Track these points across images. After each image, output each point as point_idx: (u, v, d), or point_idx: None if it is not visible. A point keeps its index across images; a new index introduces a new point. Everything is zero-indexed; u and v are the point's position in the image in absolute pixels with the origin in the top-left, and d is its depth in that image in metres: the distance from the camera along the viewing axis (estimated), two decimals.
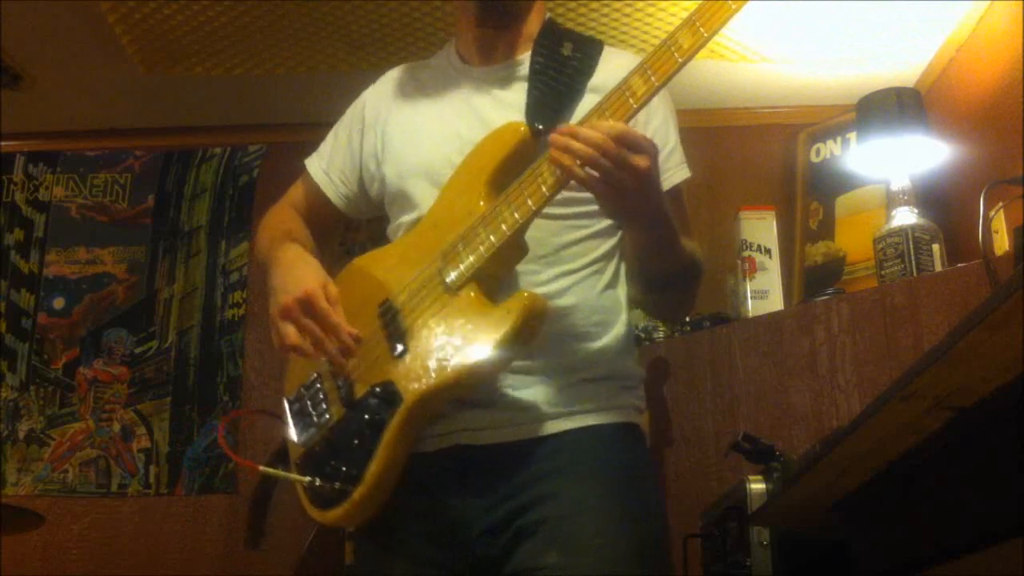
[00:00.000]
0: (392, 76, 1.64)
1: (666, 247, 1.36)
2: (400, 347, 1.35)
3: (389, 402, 1.33)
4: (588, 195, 1.34)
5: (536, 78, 1.46)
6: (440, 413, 1.35)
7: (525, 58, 1.50)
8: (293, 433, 1.46)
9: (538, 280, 1.38)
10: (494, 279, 1.34)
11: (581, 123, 1.26)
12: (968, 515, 1.05)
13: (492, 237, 1.31)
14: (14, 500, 2.79)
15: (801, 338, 2.39)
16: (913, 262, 2.36)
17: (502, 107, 1.46)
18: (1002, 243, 2.38)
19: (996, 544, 0.99)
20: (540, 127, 1.38)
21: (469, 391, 1.33)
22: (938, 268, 2.37)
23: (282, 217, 1.64)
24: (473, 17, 1.51)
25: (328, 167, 1.63)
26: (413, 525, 1.38)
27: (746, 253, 2.83)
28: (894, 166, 2.59)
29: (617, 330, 1.44)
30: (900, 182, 2.53)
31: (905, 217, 2.45)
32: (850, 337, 2.31)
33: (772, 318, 2.55)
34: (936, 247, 2.39)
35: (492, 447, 1.34)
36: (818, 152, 3.18)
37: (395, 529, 1.39)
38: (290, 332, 1.36)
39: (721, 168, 3.24)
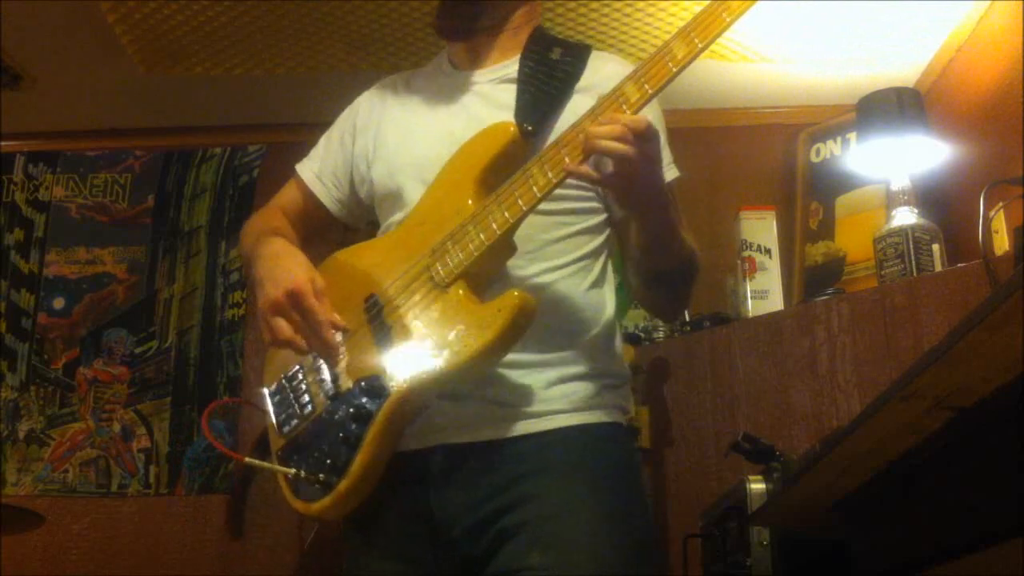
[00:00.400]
0: (385, 83, 1.66)
1: (670, 237, 1.38)
2: (386, 341, 1.35)
3: (375, 395, 1.33)
4: (577, 192, 1.36)
5: (526, 80, 1.48)
6: (424, 408, 1.36)
7: (514, 62, 1.52)
8: (274, 424, 1.46)
9: (524, 275, 1.39)
10: (482, 277, 1.35)
11: (578, 123, 1.28)
12: (968, 515, 1.05)
13: (482, 236, 1.32)
14: (14, 500, 2.79)
15: (801, 338, 2.40)
16: (913, 262, 2.36)
17: (493, 107, 1.48)
18: (1002, 243, 2.38)
19: (996, 544, 0.99)
20: (529, 128, 1.40)
21: (455, 387, 1.34)
22: (938, 268, 2.37)
23: (267, 218, 1.65)
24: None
25: (321, 171, 1.63)
26: (397, 523, 1.38)
27: (746, 253, 2.83)
28: (894, 166, 2.59)
29: (602, 328, 1.44)
30: (900, 182, 2.53)
31: (905, 217, 2.45)
32: (850, 337, 2.31)
33: (772, 318, 2.55)
34: (936, 247, 2.40)
35: (475, 445, 1.35)
36: (818, 152, 3.18)
37: (379, 526, 1.39)
38: (282, 327, 1.37)
39: (721, 168, 3.24)
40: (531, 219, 1.34)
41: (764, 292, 2.79)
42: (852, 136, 2.98)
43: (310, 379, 1.43)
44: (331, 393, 1.39)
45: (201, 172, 3.41)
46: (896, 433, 1.09)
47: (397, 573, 1.38)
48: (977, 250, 2.20)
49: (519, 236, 1.36)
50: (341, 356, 1.38)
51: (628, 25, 2.86)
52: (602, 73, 1.50)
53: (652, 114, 1.47)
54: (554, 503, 1.31)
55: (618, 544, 1.32)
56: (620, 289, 1.58)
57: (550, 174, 1.28)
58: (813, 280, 3.01)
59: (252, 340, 3.17)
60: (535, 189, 1.29)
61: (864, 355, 2.28)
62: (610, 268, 1.50)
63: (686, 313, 2.85)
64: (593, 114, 1.27)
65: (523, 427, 1.35)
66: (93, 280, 3.30)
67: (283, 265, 1.43)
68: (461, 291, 1.32)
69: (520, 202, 1.30)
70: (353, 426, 1.33)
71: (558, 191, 1.32)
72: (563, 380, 1.38)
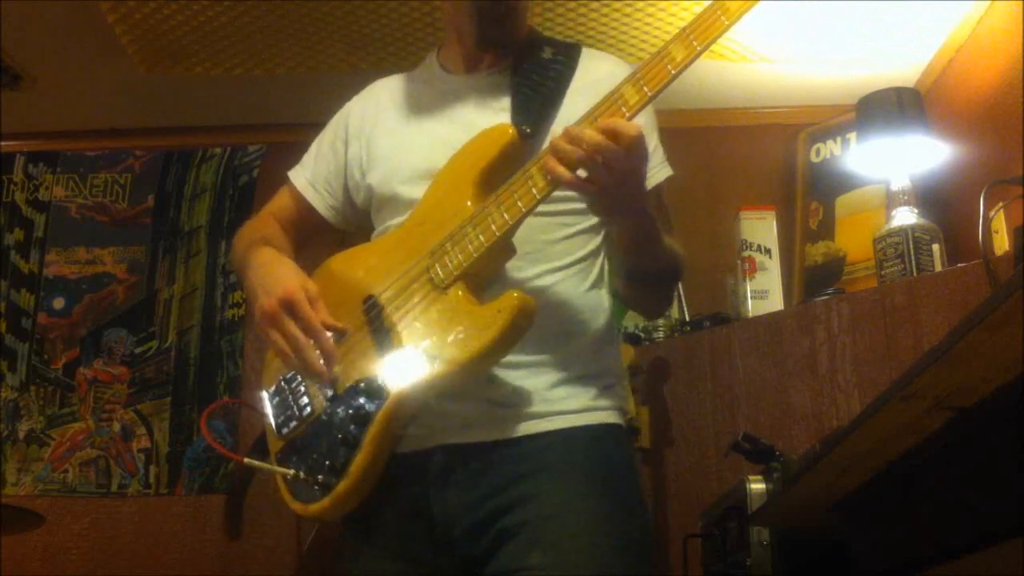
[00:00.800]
0: (375, 88, 1.66)
1: (648, 243, 1.38)
2: (386, 342, 1.36)
3: (374, 397, 1.33)
4: (576, 194, 1.35)
5: (520, 82, 1.48)
6: (423, 409, 1.36)
7: (507, 65, 1.52)
8: (272, 425, 1.47)
9: (523, 276, 1.39)
10: (481, 278, 1.35)
11: (576, 125, 1.27)
12: (968, 515, 1.05)
13: (482, 237, 1.32)
14: (14, 500, 2.79)
15: (801, 338, 2.40)
16: (913, 262, 2.36)
17: (487, 111, 1.48)
18: (1002, 243, 2.38)
19: (996, 544, 0.99)
20: (528, 130, 1.40)
21: (454, 388, 1.34)
22: (938, 268, 2.37)
23: (257, 226, 1.64)
24: (471, 36, 1.52)
25: (313, 178, 1.63)
26: (396, 523, 1.38)
27: (746, 253, 2.84)
28: (894, 166, 2.59)
29: (601, 329, 1.44)
30: (900, 182, 2.53)
31: (905, 217, 2.45)
32: (850, 337, 2.31)
33: (772, 318, 2.55)
34: (936, 247, 2.40)
35: (475, 446, 1.35)
36: (818, 152, 3.18)
37: (378, 527, 1.40)
38: (277, 337, 1.37)
39: (721, 168, 3.24)
40: (530, 220, 1.34)
41: (764, 292, 2.80)
42: (852, 136, 2.98)
43: (309, 381, 1.43)
44: (330, 395, 1.39)
45: (201, 172, 3.41)
46: (896, 433, 1.09)
47: (396, 573, 1.38)
48: (977, 250, 2.20)
49: (518, 237, 1.36)
50: (340, 358, 1.38)
51: (628, 25, 2.86)
52: (594, 71, 1.50)
53: (645, 114, 1.47)
54: (555, 503, 1.31)
55: (619, 544, 1.32)
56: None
57: (551, 176, 1.28)
58: (813, 280, 3.01)
59: (252, 340, 3.17)
60: (534, 191, 1.29)
61: (864, 355, 2.28)
62: (607, 268, 1.50)
63: (686, 313, 2.85)
64: (591, 116, 1.27)
65: (523, 428, 1.35)
66: (93, 280, 3.30)
67: (274, 274, 1.43)
68: (460, 292, 1.32)
69: (519, 204, 1.30)
70: (352, 427, 1.33)
71: (557, 192, 1.32)
72: (563, 381, 1.38)
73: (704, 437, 2.51)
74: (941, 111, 2.84)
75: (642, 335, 2.77)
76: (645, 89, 1.25)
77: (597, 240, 1.48)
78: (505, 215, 1.31)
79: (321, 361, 1.37)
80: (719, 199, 3.14)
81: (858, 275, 2.91)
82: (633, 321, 2.87)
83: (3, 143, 3.39)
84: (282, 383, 1.47)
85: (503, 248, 1.34)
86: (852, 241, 2.98)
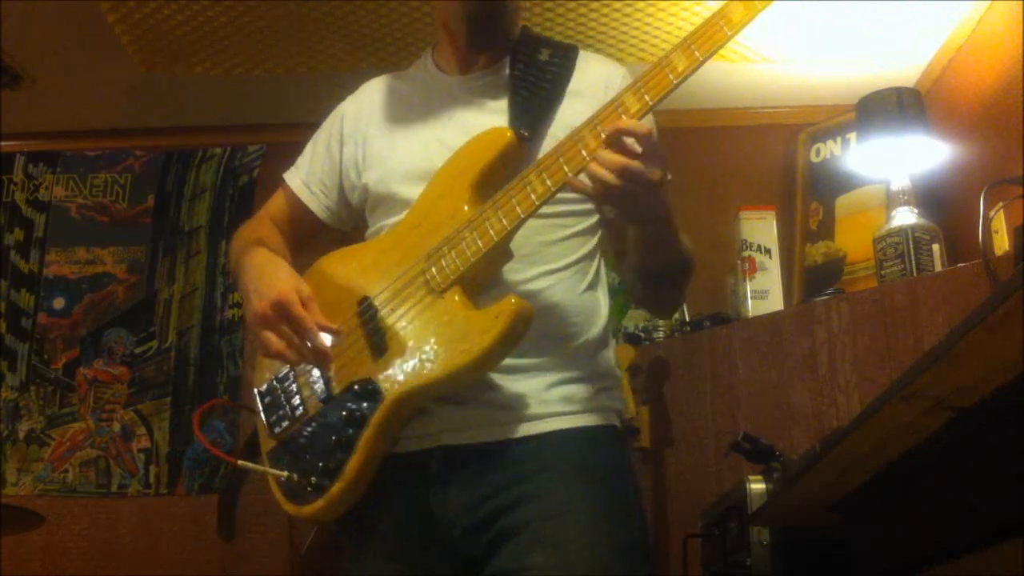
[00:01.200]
0: (369, 87, 1.65)
1: (667, 240, 1.38)
2: (381, 344, 1.35)
3: (369, 399, 1.33)
4: (572, 196, 1.35)
5: (518, 85, 1.48)
6: (419, 411, 1.36)
7: (503, 66, 1.52)
8: (265, 425, 1.46)
9: (521, 278, 1.39)
10: (478, 282, 1.35)
11: (576, 132, 1.27)
12: (968, 515, 1.05)
13: (480, 242, 1.31)
14: (14, 500, 2.79)
15: (801, 338, 2.40)
16: (913, 262, 2.36)
17: (484, 113, 1.48)
18: (1002, 243, 2.38)
19: (996, 544, 0.99)
20: (526, 133, 1.40)
21: (450, 392, 1.34)
22: (938, 268, 2.37)
23: (254, 227, 1.65)
24: (463, 37, 1.52)
25: (308, 179, 1.63)
26: (394, 523, 1.38)
27: (746, 253, 2.83)
28: (894, 166, 2.59)
29: (597, 331, 1.44)
30: (900, 182, 2.53)
31: (905, 217, 2.45)
32: (850, 337, 2.31)
33: (772, 318, 2.55)
34: (936, 247, 2.40)
35: (475, 446, 1.35)
36: (818, 152, 3.18)
37: (376, 527, 1.39)
38: (271, 339, 1.36)
39: (721, 168, 3.24)
40: (528, 223, 1.34)
41: (764, 292, 2.79)
42: (852, 136, 2.98)
43: (302, 381, 1.43)
44: (323, 396, 1.39)
45: (201, 172, 3.41)
46: (896, 433, 1.09)
47: (394, 573, 1.38)
48: (977, 250, 2.20)
49: (516, 240, 1.35)
50: (333, 359, 1.38)
51: (628, 25, 2.86)
52: (591, 75, 1.50)
53: (645, 121, 1.47)
54: (555, 503, 1.31)
55: (619, 544, 1.33)
56: (618, 290, 1.58)
57: (548, 182, 1.28)
58: (813, 280, 3.01)
59: (252, 340, 3.17)
60: (533, 196, 1.29)
61: (864, 355, 2.28)
62: (604, 270, 1.50)
63: (686, 313, 2.85)
64: (592, 123, 1.27)
65: (522, 429, 1.35)
66: (93, 280, 3.30)
67: (267, 276, 1.42)
68: (457, 297, 1.32)
69: (518, 209, 1.30)
70: (347, 429, 1.33)
71: (554, 195, 1.32)
72: (561, 383, 1.38)
73: (704, 437, 2.51)
74: (941, 111, 2.84)
75: (642, 335, 2.77)
76: (646, 97, 1.25)
77: (593, 242, 1.48)
78: (503, 220, 1.30)
79: (317, 350, 1.36)
80: (719, 199, 3.14)
81: (858, 275, 2.91)
82: (633, 321, 2.87)
83: (3, 143, 3.39)
84: (274, 382, 1.47)
85: (501, 253, 1.34)
86: (852, 241, 2.98)
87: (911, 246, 2.38)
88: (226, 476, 3.04)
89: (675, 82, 1.24)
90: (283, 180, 1.67)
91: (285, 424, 1.43)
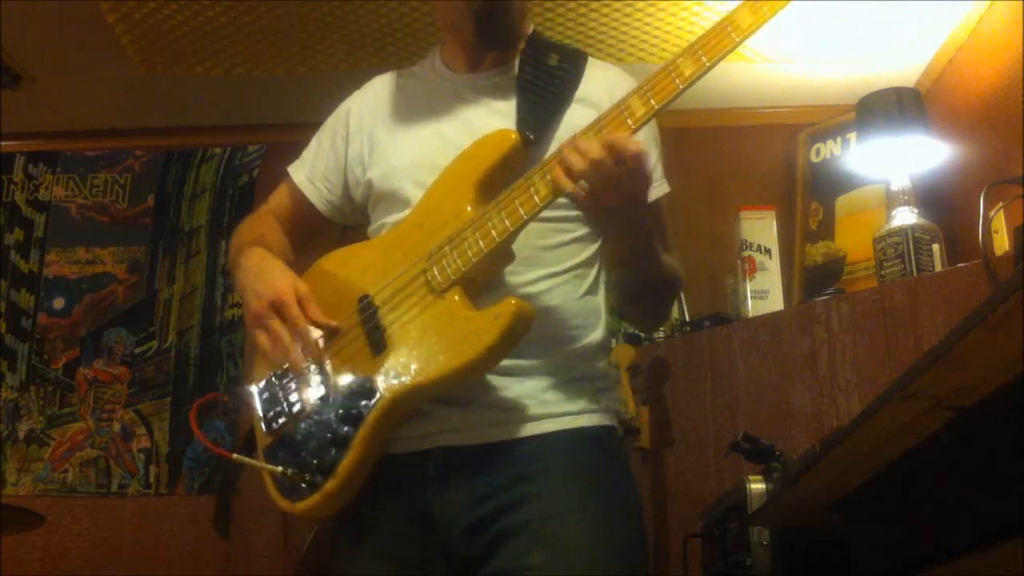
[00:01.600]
0: (376, 84, 1.65)
1: (643, 258, 1.39)
2: (380, 343, 1.35)
3: (366, 397, 1.33)
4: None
5: (525, 88, 1.48)
6: (417, 411, 1.36)
7: (511, 67, 1.52)
8: (261, 421, 1.46)
9: (521, 281, 1.39)
10: (479, 283, 1.35)
11: (578, 136, 1.28)
12: (968, 515, 1.05)
13: (481, 243, 1.31)
14: (14, 500, 2.79)
15: (801, 338, 2.39)
16: (913, 262, 2.36)
17: (490, 113, 1.48)
18: (1002, 243, 2.38)
19: (996, 544, 0.99)
20: (531, 136, 1.40)
21: (449, 392, 1.34)
22: (938, 268, 2.37)
23: (255, 223, 1.65)
24: (470, 36, 1.52)
25: (312, 174, 1.63)
26: (392, 524, 1.38)
27: (746, 253, 2.83)
28: (894, 166, 2.59)
29: (596, 334, 1.45)
30: (900, 182, 2.53)
31: (905, 217, 2.45)
32: (850, 337, 2.31)
33: (772, 318, 2.55)
34: (936, 247, 2.40)
35: (473, 447, 1.35)
36: (818, 152, 3.19)
37: (374, 527, 1.39)
38: (267, 339, 1.37)
39: (721, 168, 3.24)
40: (529, 226, 1.34)
41: (764, 292, 2.79)
42: (852, 136, 2.98)
43: (299, 378, 1.43)
44: (321, 393, 1.39)
45: (201, 172, 3.41)
46: (896, 433, 1.09)
47: (392, 573, 1.38)
48: (977, 250, 2.20)
49: (516, 243, 1.36)
50: (332, 357, 1.38)
51: (628, 26, 2.86)
52: (599, 82, 1.50)
53: (647, 128, 1.47)
54: (555, 503, 1.31)
55: (619, 544, 1.33)
56: None
57: (553, 184, 1.28)
58: (813, 280, 3.01)
59: (251, 339, 3.17)
60: (536, 199, 1.29)
61: (864, 355, 2.28)
62: (602, 276, 1.51)
63: (686, 313, 2.85)
64: (597, 126, 1.27)
65: (521, 430, 1.35)
66: (93, 280, 3.30)
67: (263, 276, 1.43)
68: (457, 297, 1.32)
69: (521, 211, 1.30)
70: (343, 427, 1.33)
71: (557, 199, 1.32)
72: (559, 384, 1.38)
73: (704, 437, 2.51)
74: (941, 111, 2.84)
75: (642, 335, 2.77)
76: (652, 102, 1.25)
77: (593, 247, 1.48)
78: (506, 221, 1.30)
79: (312, 350, 1.37)
80: (719, 199, 3.14)
81: (858, 275, 2.91)
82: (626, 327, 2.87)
83: (3, 143, 3.39)
84: (272, 379, 1.47)
85: (503, 254, 1.34)
86: (852, 241, 2.98)
87: (911, 246, 2.38)
88: (222, 471, 3.04)
89: (681, 87, 1.24)
90: (287, 174, 1.66)
91: (282, 421, 1.43)
